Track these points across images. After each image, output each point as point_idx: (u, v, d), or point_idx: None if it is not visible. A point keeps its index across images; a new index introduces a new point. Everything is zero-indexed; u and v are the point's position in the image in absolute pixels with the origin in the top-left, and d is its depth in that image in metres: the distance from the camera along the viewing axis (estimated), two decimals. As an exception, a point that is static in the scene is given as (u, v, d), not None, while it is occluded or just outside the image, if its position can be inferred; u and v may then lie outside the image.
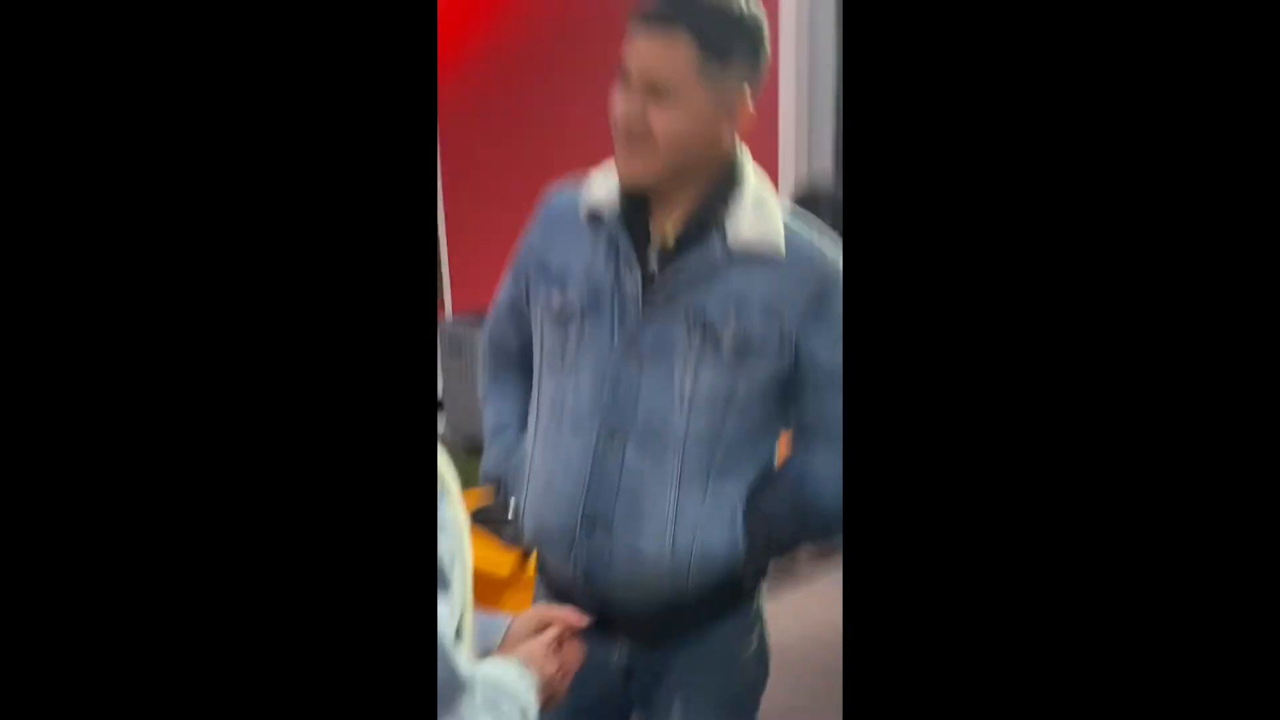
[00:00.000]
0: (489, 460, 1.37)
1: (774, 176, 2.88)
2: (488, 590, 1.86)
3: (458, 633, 0.76)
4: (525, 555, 1.91)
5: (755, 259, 1.15)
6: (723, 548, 1.19)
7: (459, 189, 4.56)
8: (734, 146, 1.18)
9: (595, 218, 1.20)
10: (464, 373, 3.65)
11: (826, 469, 1.21)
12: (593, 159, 1.26)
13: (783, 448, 1.28)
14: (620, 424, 1.17)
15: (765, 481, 1.24)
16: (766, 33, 1.12)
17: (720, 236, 1.15)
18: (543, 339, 1.25)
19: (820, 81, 3.16)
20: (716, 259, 1.15)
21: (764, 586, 1.31)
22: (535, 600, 1.35)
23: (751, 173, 1.19)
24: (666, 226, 1.17)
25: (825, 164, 3.12)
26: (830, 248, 1.19)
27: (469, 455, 1.46)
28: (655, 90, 1.07)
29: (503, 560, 1.99)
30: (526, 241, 1.30)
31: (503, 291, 1.36)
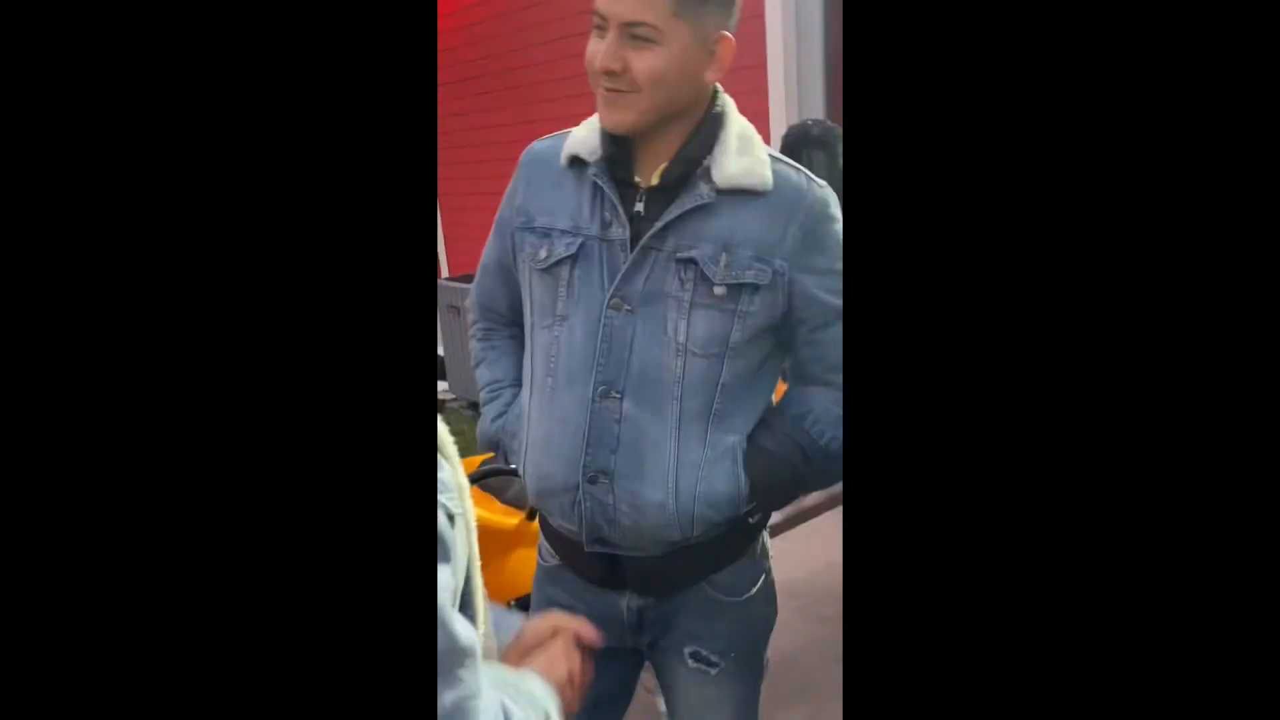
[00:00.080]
0: (486, 421, 1.36)
1: (765, 131, 2.87)
2: (497, 544, 1.88)
3: (464, 599, 0.75)
4: (531, 515, 1.92)
5: (743, 196, 1.14)
6: (726, 491, 1.18)
7: (449, 152, 4.53)
8: (714, 84, 1.16)
9: (577, 166, 1.19)
10: (465, 334, 3.67)
11: (825, 405, 1.21)
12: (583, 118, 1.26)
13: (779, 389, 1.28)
14: (616, 374, 1.16)
15: (764, 422, 1.23)
16: None
17: (706, 176, 1.14)
18: (532, 293, 1.23)
19: (807, 32, 3.14)
20: (704, 198, 1.13)
21: (767, 525, 1.32)
22: (540, 557, 1.36)
23: (733, 109, 1.18)
24: (651, 169, 1.16)
25: (817, 115, 3.11)
26: (819, 186, 1.18)
27: (475, 415, 1.46)
28: (634, 33, 1.06)
29: (510, 511, 2.00)
30: (509, 197, 1.29)
31: (488, 251, 1.34)
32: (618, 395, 1.16)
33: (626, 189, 1.17)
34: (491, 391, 1.36)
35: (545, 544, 1.34)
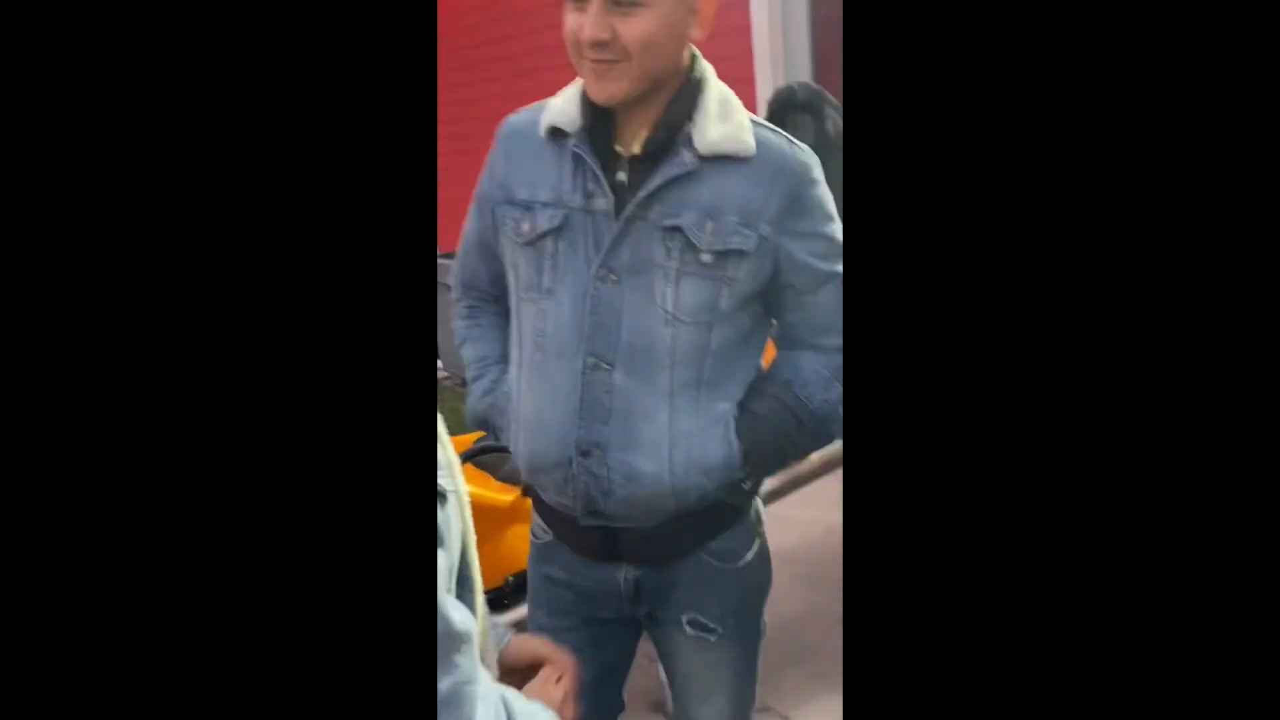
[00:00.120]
0: (474, 399, 1.35)
1: (751, 95, 2.85)
2: (492, 521, 1.88)
3: (462, 575, 0.75)
4: (526, 491, 1.92)
5: (726, 161, 1.13)
6: (719, 458, 1.18)
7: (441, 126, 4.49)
8: (692, 50, 1.15)
9: (557, 138, 1.18)
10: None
11: (814, 369, 1.21)
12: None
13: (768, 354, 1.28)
14: (605, 345, 1.16)
15: (755, 388, 1.23)
16: None
17: (688, 143, 1.13)
18: (516, 268, 1.22)
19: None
20: (687, 165, 1.12)
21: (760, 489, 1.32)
22: (533, 534, 1.36)
23: (712, 74, 1.17)
24: (632, 138, 1.15)
25: (804, 79, 3.09)
26: (800, 150, 1.17)
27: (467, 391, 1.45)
28: (619, 1, 1.05)
29: (504, 488, 2.00)
30: (487, 172, 1.27)
31: (469, 228, 1.33)
32: (608, 367, 1.16)
33: (608, 159, 1.15)
34: (479, 369, 1.35)
35: (538, 520, 1.34)
